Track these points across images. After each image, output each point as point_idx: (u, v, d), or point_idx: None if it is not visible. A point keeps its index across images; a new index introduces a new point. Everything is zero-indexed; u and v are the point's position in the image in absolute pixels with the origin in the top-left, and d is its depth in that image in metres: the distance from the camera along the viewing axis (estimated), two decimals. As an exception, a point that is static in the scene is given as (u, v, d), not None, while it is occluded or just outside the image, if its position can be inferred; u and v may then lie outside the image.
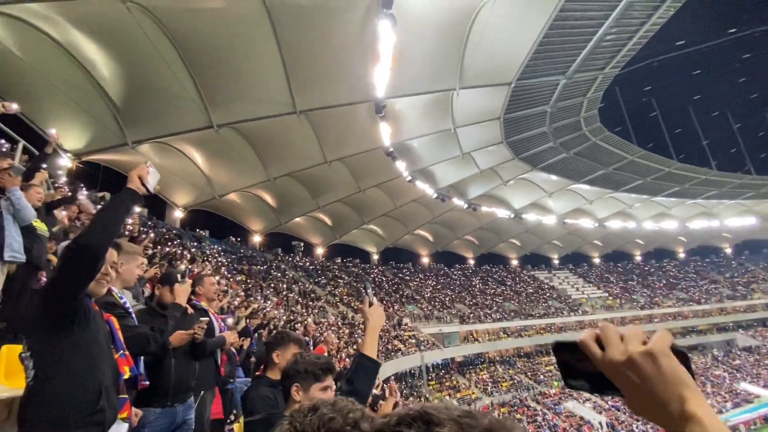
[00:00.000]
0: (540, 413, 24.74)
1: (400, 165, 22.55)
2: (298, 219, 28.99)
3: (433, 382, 26.94)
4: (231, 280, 17.23)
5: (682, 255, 52.27)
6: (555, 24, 15.63)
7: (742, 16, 30.57)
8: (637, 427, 23.68)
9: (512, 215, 34.54)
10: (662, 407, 0.56)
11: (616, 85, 31.01)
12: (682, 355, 0.58)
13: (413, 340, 26.31)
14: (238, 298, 10.69)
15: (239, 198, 24.54)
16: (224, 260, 22.07)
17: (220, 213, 26.15)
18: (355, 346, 16.68)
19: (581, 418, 24.49)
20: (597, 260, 50.29)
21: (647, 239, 47.46)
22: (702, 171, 33.78)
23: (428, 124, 21.10)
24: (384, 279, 35.67)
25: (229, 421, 3.51)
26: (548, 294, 40.13)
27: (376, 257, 38.61)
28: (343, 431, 0.73)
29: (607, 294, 42.04)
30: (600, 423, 23.95)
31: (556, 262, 48.30)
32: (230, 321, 5.35)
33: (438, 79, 17.73)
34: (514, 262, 46.16)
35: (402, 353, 24.14)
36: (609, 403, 26.67)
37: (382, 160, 22.13)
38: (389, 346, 24.38)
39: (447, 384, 27.21)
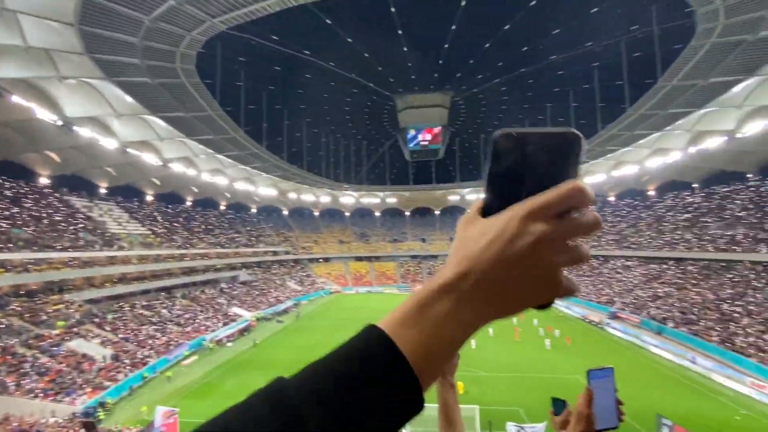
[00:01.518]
0: (30, 359, 20.80)
1: None
2: None
3: None
4: None
5: (223, 208, 62.60)
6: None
7: (312, 41, 42.03)
8: (141, 354, 25.54)
9: (60, 122, 26.89)
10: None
11: (220, 41, 32.30)
12: None
13: None
14: None
15: None
16: None
17: None
18: None
19: (83, 356, 23.05)
20: (150, 198, 49.54)
21: (201, 188, 52.73)
22: (255, 146, 42.31)
23: None
24: None
25: None
26: (81, 225, 34.60)
27: None
28: None
29: (150, 232, 42.37)
30: (104, 356, 23.63)
31: (103, 191, 42.75)
32: None
33: None
34: (45, 180, 36.02)
35: None
36: (118, 335, 26.93)
37: None
38: None
39: None
